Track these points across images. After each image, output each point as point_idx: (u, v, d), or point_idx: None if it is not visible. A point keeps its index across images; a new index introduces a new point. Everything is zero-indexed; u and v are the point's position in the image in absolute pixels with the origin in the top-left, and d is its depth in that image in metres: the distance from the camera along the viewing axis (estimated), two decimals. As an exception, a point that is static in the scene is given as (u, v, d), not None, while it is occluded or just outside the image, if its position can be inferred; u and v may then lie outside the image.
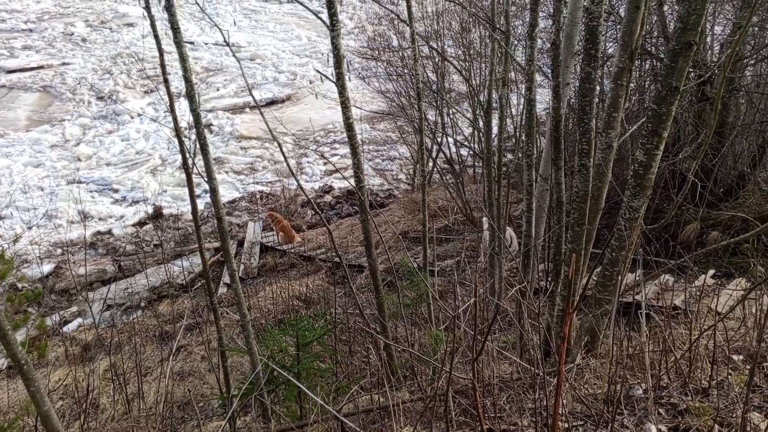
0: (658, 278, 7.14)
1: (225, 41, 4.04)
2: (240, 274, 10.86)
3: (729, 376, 2.94)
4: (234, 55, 4.12)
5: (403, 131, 15.16)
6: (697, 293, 5.74)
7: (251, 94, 4.15)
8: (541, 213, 5.32)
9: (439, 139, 13.08)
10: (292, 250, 11.92)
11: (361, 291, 8.42)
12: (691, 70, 7.66)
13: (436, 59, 12.14)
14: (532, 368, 2.75)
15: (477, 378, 2.55)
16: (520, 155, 7.12)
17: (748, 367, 3.07)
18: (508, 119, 11.53)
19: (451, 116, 13.00)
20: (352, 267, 10.42)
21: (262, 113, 3.88)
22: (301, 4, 4.30)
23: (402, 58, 12.39)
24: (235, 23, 29.61)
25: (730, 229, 8.30)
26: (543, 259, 5.91)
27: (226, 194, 15.81)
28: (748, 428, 2.33)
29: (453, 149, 13.44)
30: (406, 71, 12.30)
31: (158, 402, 4.54)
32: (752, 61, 9.39)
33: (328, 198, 15.81)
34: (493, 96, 5.72)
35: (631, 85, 9.30)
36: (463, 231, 12.04)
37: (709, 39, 9.38)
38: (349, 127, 3.81)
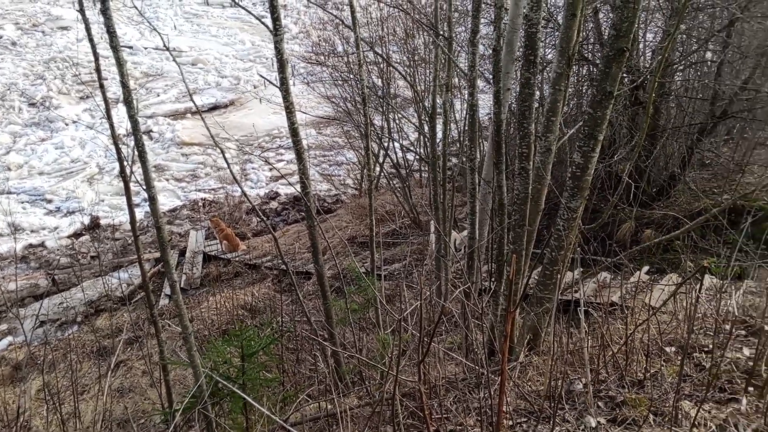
0: (596, 276, 7.41)
1: (164, 45, 3.93)
2: (182, 285, 10.56)
3: (662, 368, 3.08)
4: (174, 60, 4.01)
5: (350, 136, 15.17)
6: (633, 289, 5.98)
7: (192, 99, 4.05)
8: (484, 215, 5.44)
9: (385, 144, 13.17)
10: (237, 259, 11.70)
11: (308, 298, 8.35)
12: (625, 75, 8.01)
13: (382, 65, 12.23)
14: (477, 368, 2.80)
15: (423, 380, 2.58)
16: (464, 159, 7.25)
17: (679, 358, 3.22)
18: (452, 124, 11.76)
19: (397, 121, 13.11)
20: (300, 274, 10.32)
21: (203, 118, 3.79)
22: (243, 8, 4.23)
23: (347, 64, 12.40)
24: (175, 27, 28.85)
25: (662, 228, 8.71)
26: (487, 260, 6.04)
27: (166, 202, 15.36)
28: (679, 416, 2.45)
29: (399, 154, 13.56)
30: (351, 76, 12.32)
31: (96, 421, 4.35)
32: (681, 67, 9.89)
33: (274, 204, 15.61)
34: (438, 101, 5.81)
35: (570, 89, 9.65)
36: (410, 235, 12.14)
37: (641, 46, 9.81)
38: (293, 132, 3.78)
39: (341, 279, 4.53)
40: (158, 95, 21.81)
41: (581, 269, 7.80)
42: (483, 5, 6.21)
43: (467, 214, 4.87)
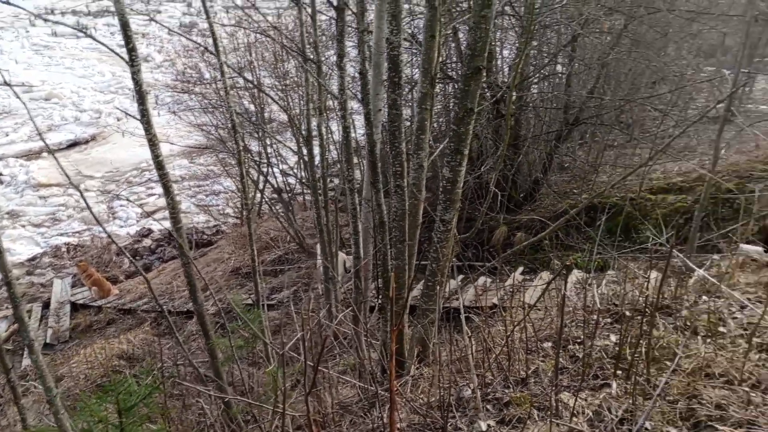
0: (475, 282, 7.78)
1: (3, 80, 3.58)
2: (48, 340, 9.60)
3: (541, 363, 3.27)
4: (17, 96, 3.67)
5: (226, 164, 14.74)
6: (510, 291, 6.33)
7: (41, 136, 3.72)
8: (368, 234, 5.51)
9: (264, 170, 12.95)
10: (109, 305, 10.83)
11: (192, 338, 7.94)
12: (486, 90, 8.55)
13: (254, 90, 12.06)
14: (368, 388, 2.80)
15: (315, 410, 2.53)
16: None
17: (555, 352, 3.44)
18: (331, 146, 11.84)
19: (275, 146, 12.97)
20: (181, 313, 9.78)
21: (56, 158, 3.49)
22: (93, 38, 3.97)
23: (216, 90, 12.10)
24: (17, 62, 26.45)
25: (532, 230, 9.34)
26: (374, 278, 6.11)
27: (24, 251, 13.96)
28: (560, 408, 2.61)
29: (281, 178, 13.39)
30: (222, 103, 12.03)
31: None
32: (536, 80, 10.75)
33: (147, 242, 14.74)
34: (313, 124, 5.82)
35: (438, 107, 10.12)
36: (297, 260, 11.98)
37: (499, 62, 10.53)
38: (159, 165, 3.59)
39: (222, 315, 4.34)
40: (7, 135, 19.87)
41: (462, 276, 8.17)
42: (350, 28, 6.37)
43: (350, 234, 4.89)
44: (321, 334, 5.03)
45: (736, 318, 3.58)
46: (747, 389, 2.58)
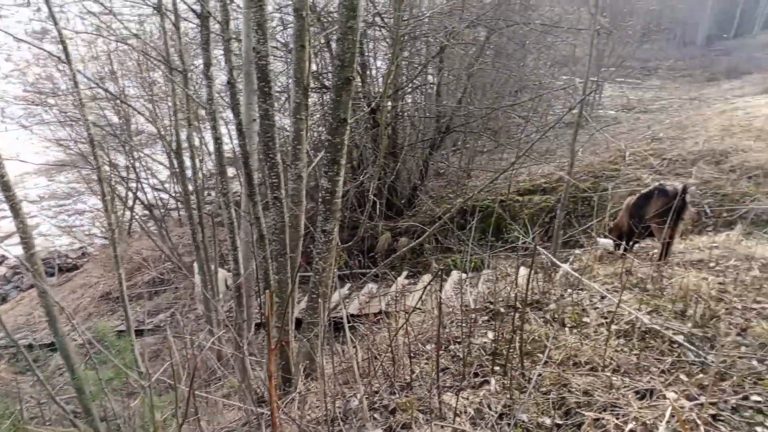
0: (362, 289, 7.84)
1: None
2: None
3: (425, 366, 3.33)
4: None
5: (90, 180, 13.60)
6: (395, 296, 6.45)
7: None
8: (249, 248, 5.32)
9: (133, 185, 12.15)
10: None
11: (58, 373, 7.22)
12: (362, 101, 8.67)
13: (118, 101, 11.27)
14: (252, 410, 2.69)
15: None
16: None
17: (440, 352, 3.53)
18: (207, 157, 11.37)
19: (144, 161, 12.21)
20: (45, 347, 8.88)
21: None
22: None
23: (74, 102, 11.15)
24: None
25: (414, 235, 9.62)
26: (258, 294, 5.93)
27: None
28: (443, 409, 2.67)
29: (153, 194, 12.62)
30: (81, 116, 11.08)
31: None
32: (409, 90, 11.07)
33: (2, 270, 13.24)
34: (183, 136, 5.53)
35: (317, 116, 10.09)
36: (175, 279, 11.35)
37: (374, 72, 10.71)
38: (5, 186, 3.22)
39: (86, 346, 3.97)
40: None
41: (349, 285, 8.20)
42: (220, 37, 6.14)
43: (229, 250, 4.71)
44: (201, 359, 4.79)
45: (597, 308, 3.89)
46: (609, 374, 2.81)
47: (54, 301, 3.20)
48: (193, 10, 3.55)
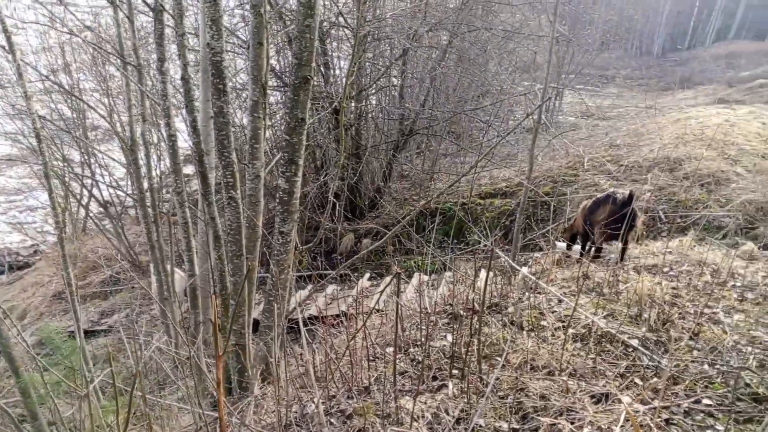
0: (324, 291, 7.75)
1: None
2: None
3: (385, 369, 3.29)
4: None
5: (42, 176, 13.08)
6: (356, 298, 6.39)
7: None
8: (206, 249, 5.18)
9: (88, 182, 11.77)
10: None
11: (5, 376, 6.91)
12: (324, 100, 8.59)
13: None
14: (201, 413, 2.60)
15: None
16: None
17: (398, 356, 3.50)
18: (165, 154, 11.07)
19: (101, 157, 11.83)
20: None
21: None
22: None
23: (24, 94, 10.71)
24: None
25: (377, 236, 9.59)
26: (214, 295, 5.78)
27: None
28: (401, 414, 2.63)
29: (112, 191, 12.24)
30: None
31: None
32: (373, 91, 11.03)
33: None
34: (138, 132, 5.36)
35: (279, 115, 9.95)
36: (131, 279, 11.03)
37: (338, 72, 10.63)
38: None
39: (28, 348, 3.79)
40: None
41: (311, 286, 8.11)
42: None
43: (182, 250, 4.57)
44: (155, 361, 4.64)
45: (555, 312, 3.93)
46: (565, 378, 2.82)
47: (-7, 304, 3.02)
48: (147, 3, 3.42)
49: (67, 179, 11.79)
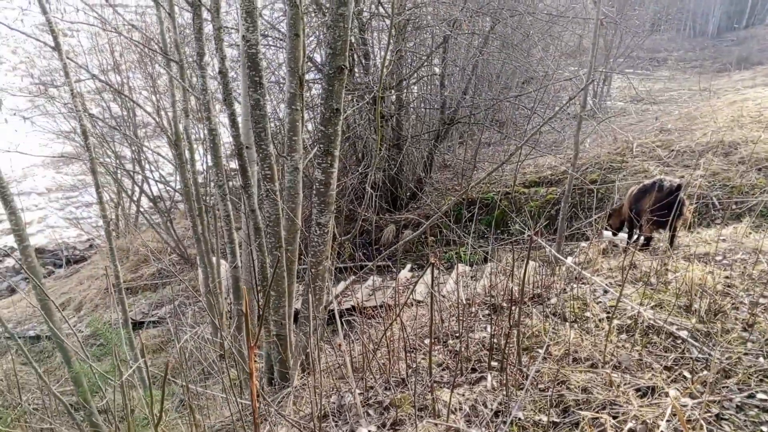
0: (365, 282, 7.78)
1: None
2: None
3: (423, 361, 3.27)
4: None
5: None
6: (401, 288, 6.39)
7: None
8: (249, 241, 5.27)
9: (139, 178, 12.19)
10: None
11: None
12: (365, 91, 8.58)
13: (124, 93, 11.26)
14: (241, 402, 2.64)
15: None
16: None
17: (436, 348, 3.47)
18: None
19: (150, 153, 12.22)
20: (49, 338, 8.93)
21: None
22: None
23: (78, 95, 11.12)
24: None
25: (418, 227, 9.54)
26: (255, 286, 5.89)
27: None
28: (437, 406, 2.61)
29: (161, 186, 12.64)
30: (86, 108, 11.07)
31: None
32: (414, 81, 10.95)
33: (10, 261, 13.36)
34: (182, 127, 5.48)
35: (319, 108, 9.99)
36: (180, 271, 11.38)
37: (378, 62, 10.59)
38: (-5, 177, 3.18)
39: (79, 339, 3.94)
40: None
41: (353, 277, 8.16)
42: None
43: (225, 242, 4.65)
44: (201, 351, 4.76)
45: (600, 302, 3.81)
46: (609, 371, 2.73)
47: (46, 295, 3.16)
48: (185, -1, 3.50)
49: (119, 175, 12.23)
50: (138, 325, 8.82)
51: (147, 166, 12.26)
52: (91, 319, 5.33)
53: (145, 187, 12.48)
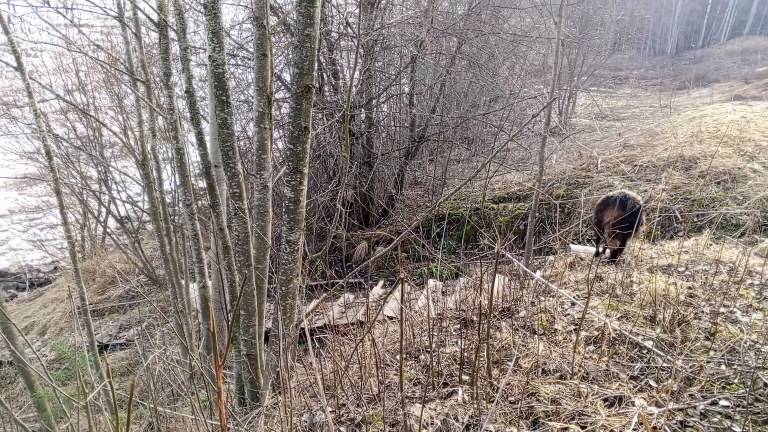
0: (337, 299, 7.75)
1: None
2: None
3: (395, 377, 3.27)
4: None
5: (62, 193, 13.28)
6: (373, 305, 6.38)
7: None
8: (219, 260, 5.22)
9: (105, 198, 11.96)
10: None
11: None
12: (335, 109, 8.64)
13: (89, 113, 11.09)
14: (210, 423, 2.60)
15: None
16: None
17: (408, 364, 3.48)
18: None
19: (118, 173, 12.02)
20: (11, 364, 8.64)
21: None
22: None
23: (42, 115, 10.92)
24: None
25: (390, 244, 9.57)
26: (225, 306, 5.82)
27: None
28: (410, 421, 2.61)
29: (128, 207, 12.43)
30: (51, 129, 10.86)
31: None
32: (383, 100, 11.06)
33: (-31, 286, 12.88)
34: (149, 147, 5.43)
35: (288, 127, 10.00)
36: (149, 293, 11.16)
37: (347, 82, 10.66)
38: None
39: (43, 364, 3.84)
40: None
41: (324, 295, 8.12)
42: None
43: (193, 262, 4.60)
44: (170, 373, 4.67)
45: (568, 314, 3.88)
46: (577, 382, 2.78)
47: (8, 318, 3.07)
48: (151, 20, 3.47)
49: (84, 196, 11.99)
50: (105, 348, 8.61)
51: (114, 186, 12.06)
52: (54, 342, 5.18)
53: (112, 207, 12.25)
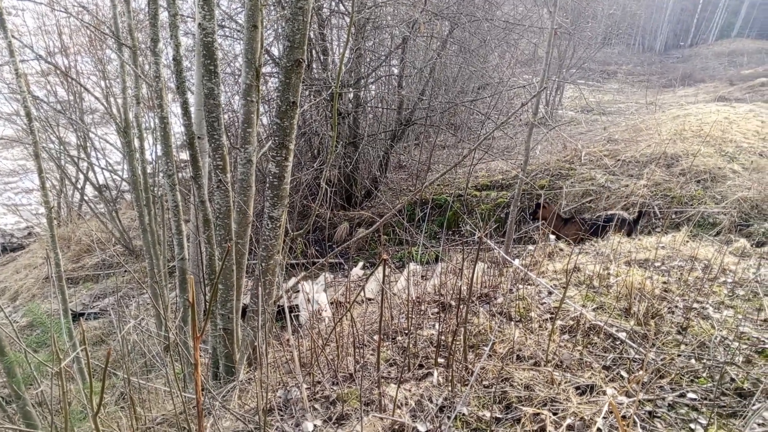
0: (318, 278, 7.75)
1: None
2: None
3: (372, 357, 3.29)
4: None
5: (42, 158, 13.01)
6: (353, 285, 6.39)
7: None
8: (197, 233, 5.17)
9: (84, 165, 11.74)
10: None
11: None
12: (323, 87, 8.54)
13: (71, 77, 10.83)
14: (184, 395, 2.58)
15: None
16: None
17: (385, 344, 3.49)
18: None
19: (98, 140, 11.79)
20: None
21: None
22: None
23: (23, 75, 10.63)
24: None
25: (372, 225, 9.57)
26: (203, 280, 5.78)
27: None
28: (385, 401, 2.63)
29: (108, 175, 12.22)
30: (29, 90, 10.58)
31: None
32: (372, 80, 10.95)
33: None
34: (132, 115, 5.32)
35: (275, 102, 9.88)
36: (126, 263, 11.03)
37: (337, 60, 10.56)
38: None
39: (14, 329, 3.78)
40: None
41: (303, 274, 8.11)
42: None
43: (172, 234, 4.55)
44: (144, 344, 4.64)
45: (545, 303, 3.93)
46: (550, 369, 2.82)
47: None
48: (140, -19, 3.37)
49: (62, 162, 11.76)
50: (78, 316, 8.52)
51: (93, 154, 11.84)
52: (27, 308, 5.10)
53: (91, 175, 12.03)
